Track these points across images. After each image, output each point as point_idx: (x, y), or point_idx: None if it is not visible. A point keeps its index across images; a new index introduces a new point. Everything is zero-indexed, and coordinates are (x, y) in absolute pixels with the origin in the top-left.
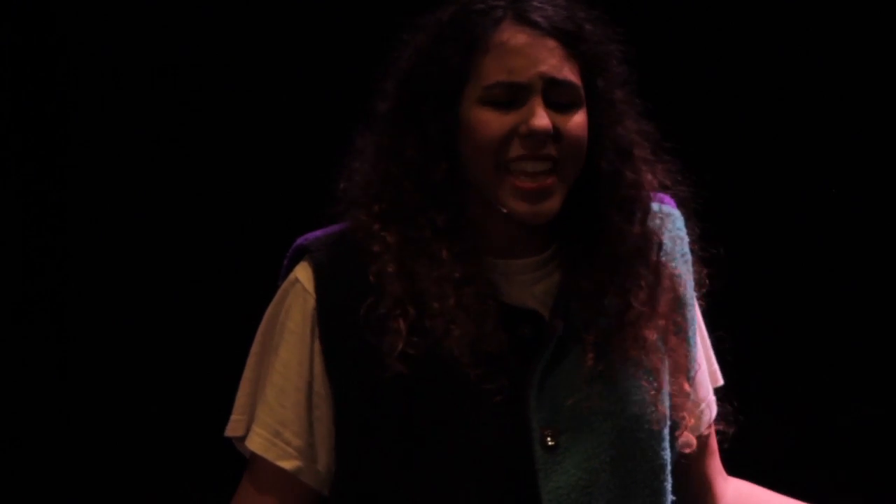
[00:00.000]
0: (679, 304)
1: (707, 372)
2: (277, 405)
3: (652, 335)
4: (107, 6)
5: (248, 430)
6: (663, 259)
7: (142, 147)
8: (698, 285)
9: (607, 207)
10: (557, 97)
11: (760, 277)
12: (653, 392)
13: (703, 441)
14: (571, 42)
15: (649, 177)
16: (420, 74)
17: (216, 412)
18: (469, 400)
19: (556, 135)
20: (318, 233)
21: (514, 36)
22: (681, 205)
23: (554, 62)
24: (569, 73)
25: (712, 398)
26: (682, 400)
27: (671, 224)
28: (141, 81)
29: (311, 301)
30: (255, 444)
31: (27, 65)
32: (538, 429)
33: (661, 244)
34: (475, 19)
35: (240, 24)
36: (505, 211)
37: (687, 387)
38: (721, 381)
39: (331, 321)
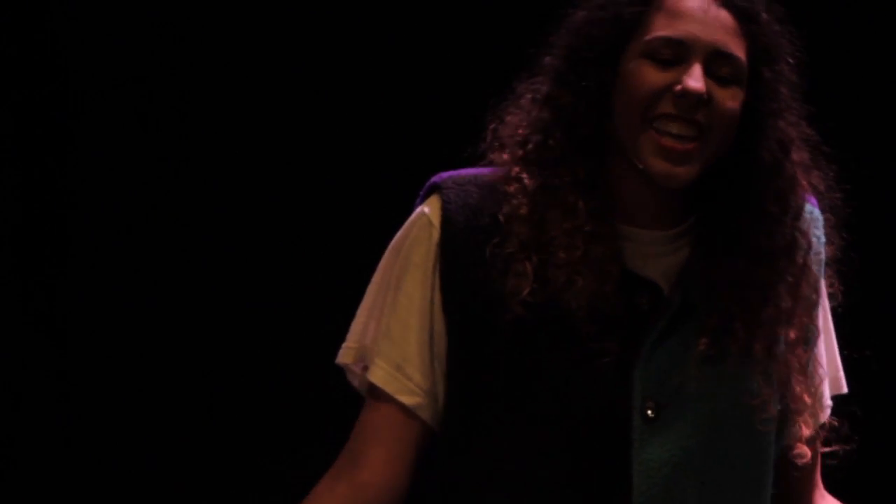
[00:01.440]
0: (813, 311)
1: (827, 381)
2: (401, 339)
3: (784, 337)
4: (106, 7)
5: (358, 358)
6: (808, 264)
7: (141, 147)
8: (830, 296)
9: (764, 197)
10: (719, 69)
11: None
12: (766, 391)
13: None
14: (746, 21)
15: (807, 179)
16: (591, 24)
17: (216, 412)
18: (578, 356)
19: (708, 101)
20: (454, 172)
21: (691, 1)
22: (832, 212)
23: (724, 33)
24: (736, 49)
25: (828, 407)
26: (800, 408)
27: (815, 227)
28: (140, 82)
29: (437, 235)
30: (378, 377)
31: (27, 65)
32: (640, 398)
33: (809, 245)
34: None
35: (247, 24)
36: (641, 167)
37: (808, 398)
38: (844, 389)
39: (454, 257)
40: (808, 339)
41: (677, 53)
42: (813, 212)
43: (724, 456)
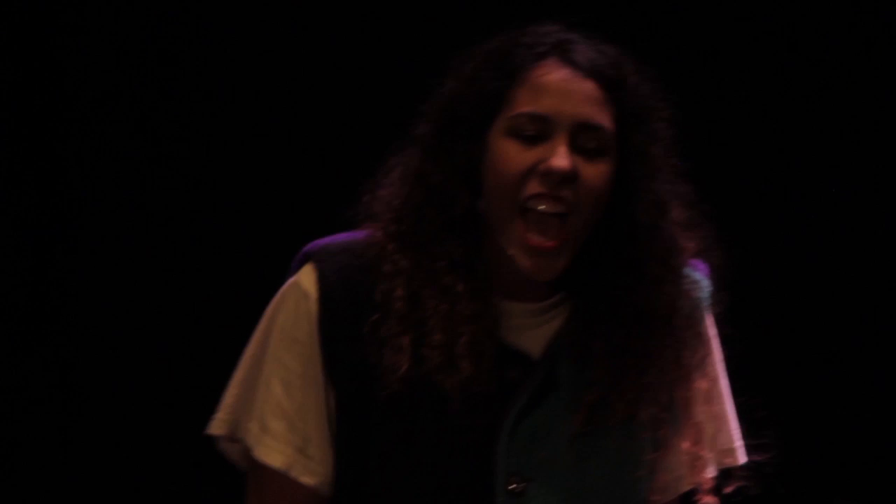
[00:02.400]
0: (695, 374)
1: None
2: (300, 421)
3: (666, 401)
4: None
5: (231, 430)
6: (687, 325)
7: (141, 147)
8: (720, 360)
9: (644, 260)
10: (585, 142)
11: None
12: (645, 462)
13: None
14: (611, 88)
15: (685, 239)
16: (457, 99)
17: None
18: (449, 432)
19: (575, 178)
20: (327, 240)
21: (553, 72)
22: (712, 273)
23: (589, 105)
24: (602, 118)
25: (713, 470)
26: (682, 473)
27: (698, 292)
28: (140, 82)
29: (315, 308)
30: (278, 460)
31: (26, 65)
32: (504, 472)
33: (688, 310)
34: (518, 51)
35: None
36: (510, 255)
37: (685, 459)
38: (740, 460)
39: (334, 331)
40: (686, 405)
41: (542, 129)
42: (695, 275)
43: None
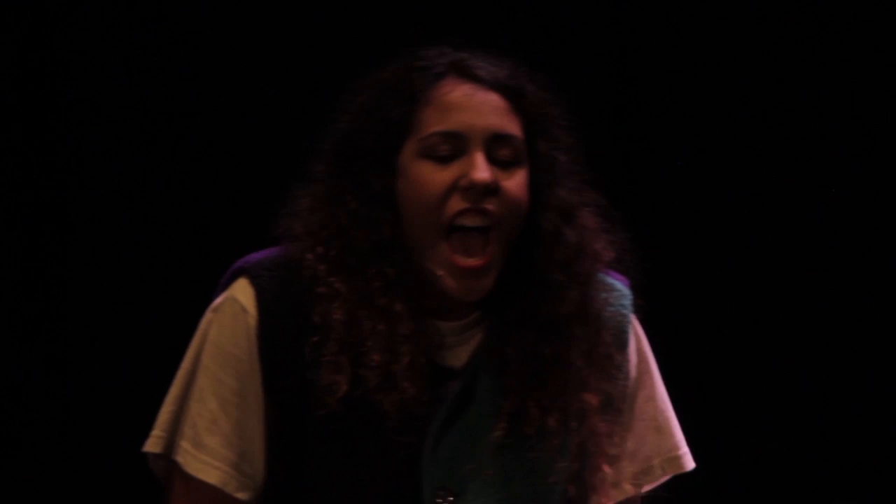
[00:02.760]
0: (606, 381)
1: (644, 450)
2: (235, 437)
3: (581, 406)
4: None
5: (167, 448)
6: (601, 330)
7: (141, 149)
8: (638, 367)
9: (548, 268)
10: (500, 153)
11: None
12: (563, 469)
13: None
14: (515, 98)
15: (595, 245)
16: (360, 130)
17: None
18: (382, 451)
19: (496, 189)
20: (259, 256)
21: (456, 88)
22: (627, 274)
23: (497, 116)
24: (512, 128)
25: (650, 473)
26: (597, 481)
27: (616, 300)
28: (140, 83)
29: (254, 322)
30: (213, 476)
31: (27, 66)
32: (430, 487)
33: (599, 315)
34: (416, 75)
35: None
36: (437, 278)
37: (606, 468)
38: (688, 467)
39: (275, 347)
40: (603, 409)
41: (456, 146)
42: (614, 283)
43: None
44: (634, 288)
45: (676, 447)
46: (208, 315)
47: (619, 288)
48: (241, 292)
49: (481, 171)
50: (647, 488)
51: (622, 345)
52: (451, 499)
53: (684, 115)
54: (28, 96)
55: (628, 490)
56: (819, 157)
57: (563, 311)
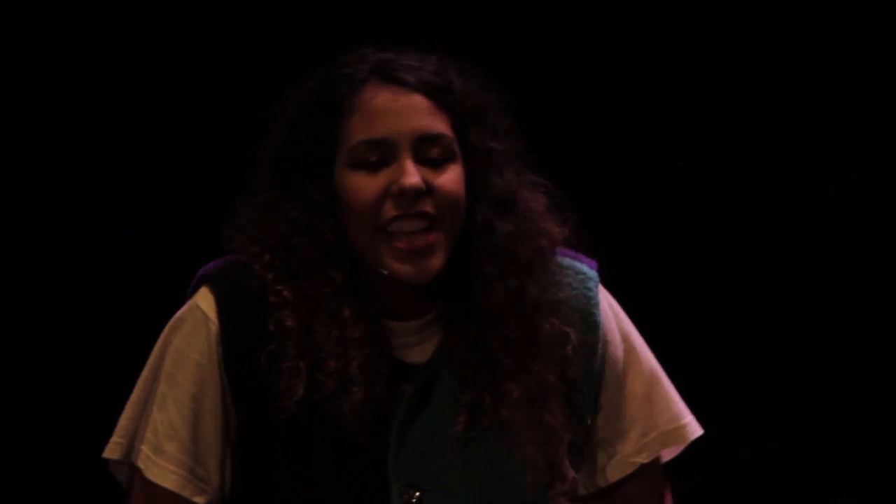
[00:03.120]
0: (560, 365)
1: (630, 427)
2: (191, 442)
3: (529, 395)
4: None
5: (125, 454)
6: (548, 315)
7: (142, 150)
8: (621, 345)
9: (480, 260)
10: (429, 152)
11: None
12: (528, 457)
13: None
14: (440, 95)
15: (542, 227)
16: (292, 143)
17: None
18: (346, 453)
19: (429, 191)
20: (220, 264)
21: (378, 94)
22: (584, 253)
23: (421, 116)
24: (439, 126)
25: (631, 452)
26: (565, 468)
27: (579, 283)
28: (139, 83)
29: (215, 329)
30: (170, 481)
31: (27, 65)
32: (397, 486)
33: (544, 300)
34: (339, 83)
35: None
36: (386, 273)
37: (562, 450)
38: (691, 436)
39: (236, 353)
40: (556, 392)
41: (384, 153)
42: (574, 266)
43: None
44: (603, 270)
45: (675, 419)
46: (171, 322)
47: (583, 270)
48: (203, 300)
49: (410, 176)
50: (646, 460)
51: (590, 327)
52: (418, 494)
53: (684, 115)
54: (28, 95)
55: (627, 469)
56: (819, 157)
57: (494, 302)
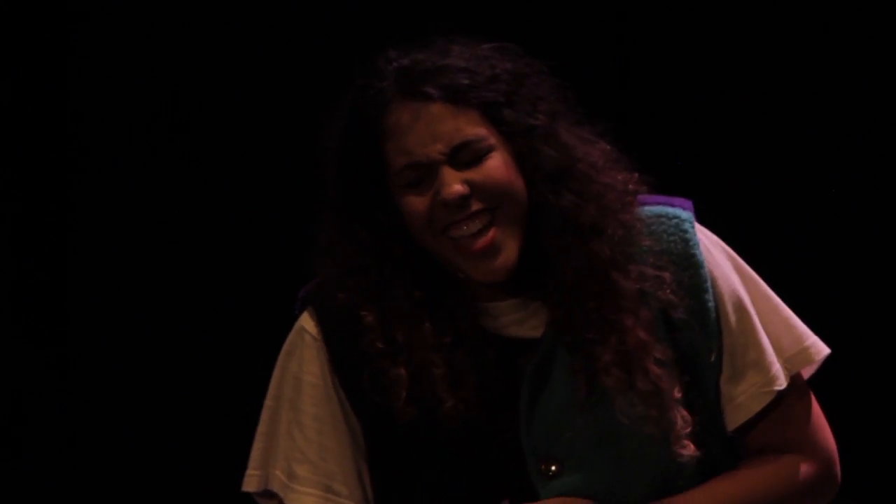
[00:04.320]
0: (663, 310)
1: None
2: (321, 461)
3: (612, 356)
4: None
5: (262, 484)
6: (631, 268)
7: (145, 154)
8: (736, 274)
9: (545, 237)
10: (463, 156)
11: None
12: (637, 412)
13: (751, 433)
14: (463, 96)
15: (605, 181)
16: (345, 170)
17: (216, 414)
18: (476, 440)
19: (473, 190)
20: (316, 284)
21: (402, 115)
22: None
23: (447, 125)
24: (467, 130)
25: (742, 394)
26: (668, 410)
27: (673, 227)
28: (141, 88)
29: (323, 349)
30: (309, 503)
31: (28, 65)
32: (534, 459)
33: (621, 255)
34: (369, 105)
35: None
36: (462, 274)
37: (670, 397)
38: (819, 356)
39: (347, 369)
40: (657, 334)
41: (422, 171)
42: (673, 214)
43: (633, 489)
44: (699, 206)
45: (798, 342)
46: (284, 348)
47: (676, 214)
48: (307, 323)
49: (447, 186)
50: (780, 387)
51: (693, 266)
52: (554, 466)
53: (683, 115)
54: (27, 96)
55: (765, 399)
56: (819, 157)
57: (568, 274)
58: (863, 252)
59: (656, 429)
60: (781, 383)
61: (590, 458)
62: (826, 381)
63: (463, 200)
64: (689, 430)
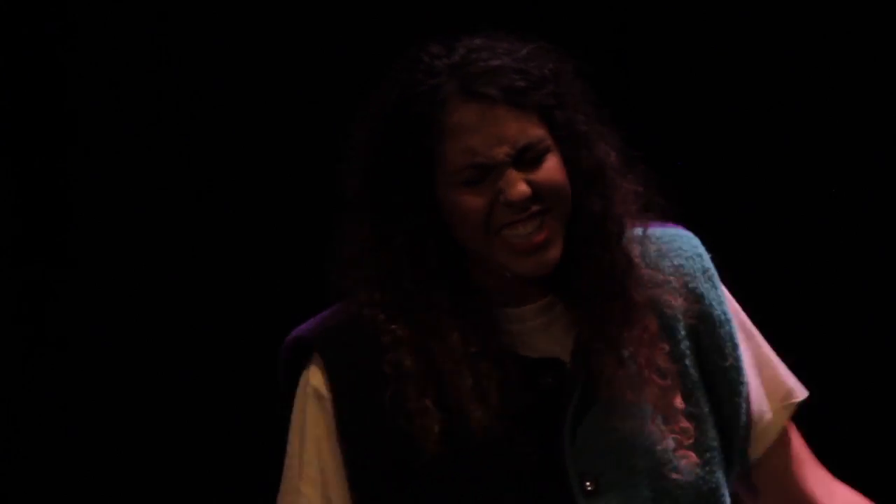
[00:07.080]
0: (666, 330)
1: (761, 385)
2: None
3: (621, 367)
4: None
5: None
6: (645, 281)
7: (145, 153)
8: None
9: (577, 238)
10: (526, 157)
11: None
12: (652, 421)
13: (778, 453)
14: (524, 98)
15: (631, 188)
16: (384, 169)
17: (215, 413)
18: (506, 465)
19: (535, 194)
20: (316, 323)
21: (466, 114)
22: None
23: (510, 128)
24: (530, 132)
25: (767, 410)
26: (672, 418)
27: (687, 245)
28: (140, 84)
29: (329, 404)
30: None
31: (28, 64)
32: (577, 476)
33: (634, 268)
34: (421, 103)
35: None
36: (507, 273)
37: (679, 402)
38: (797, 397)
39: (353, 418)
40: (665, 354)
41: (483, 172)
42: (682, 234)
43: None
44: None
45: (787, 377)
46: (295, 407)
47: (685, 233)
48: (313, 376)
49: (515, 187)
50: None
51: (711, 281)
52: (597, 480)
53: (683, 115)
54: (26, 95)
55: (785, 414)
56: (818, 157)
57: (588, 280)
58: (863, 252)
59: (670, 438)
60: (802, 393)
61: (623, 468)
62: (826, 381)
63: (526, 201)
64: (690, 441)
